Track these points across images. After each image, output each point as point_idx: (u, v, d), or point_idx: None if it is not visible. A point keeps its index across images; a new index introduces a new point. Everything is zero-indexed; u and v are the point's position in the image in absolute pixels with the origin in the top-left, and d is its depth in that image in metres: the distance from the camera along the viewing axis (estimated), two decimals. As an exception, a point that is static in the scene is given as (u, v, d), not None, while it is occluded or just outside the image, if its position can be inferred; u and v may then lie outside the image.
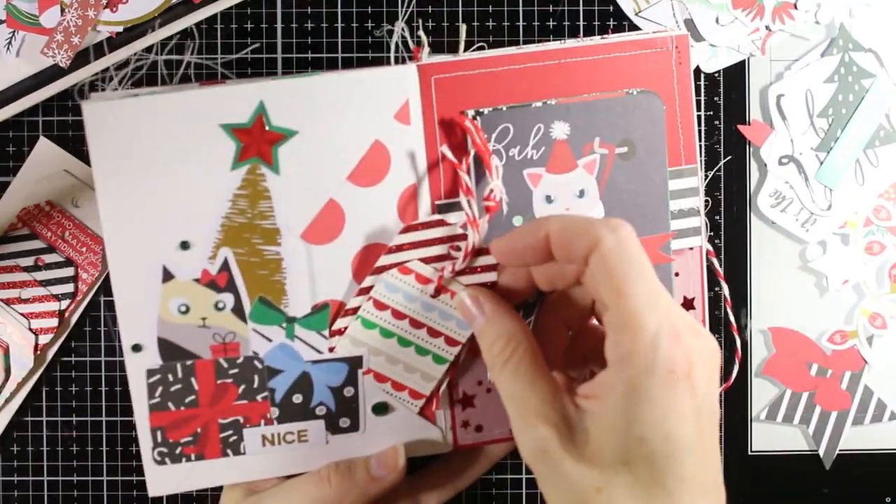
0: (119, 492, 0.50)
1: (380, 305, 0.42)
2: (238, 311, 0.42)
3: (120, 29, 0.47)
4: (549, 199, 0.43)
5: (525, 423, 0.35)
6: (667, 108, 0.43)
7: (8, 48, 0.47)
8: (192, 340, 0.42)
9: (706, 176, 0.50)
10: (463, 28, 0.46)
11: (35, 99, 0.48)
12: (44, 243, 0.49)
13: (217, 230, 0.41)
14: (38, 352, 0.49)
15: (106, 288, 0.50)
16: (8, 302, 0.49)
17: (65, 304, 0.49)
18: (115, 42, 0.47)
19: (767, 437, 0.51)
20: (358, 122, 0.41)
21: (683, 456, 0.33)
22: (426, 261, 0.42)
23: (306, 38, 0.49)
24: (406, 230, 0.42)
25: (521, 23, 0.49)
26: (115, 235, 0.41)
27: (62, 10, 0.46)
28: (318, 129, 0.41)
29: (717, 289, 0.49)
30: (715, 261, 0.47)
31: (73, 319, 0.49)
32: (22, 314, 0.49)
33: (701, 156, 0.49)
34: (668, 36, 0.43)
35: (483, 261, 0.42)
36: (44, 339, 0.49)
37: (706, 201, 0.45)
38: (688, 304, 0.44)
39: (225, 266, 0.42)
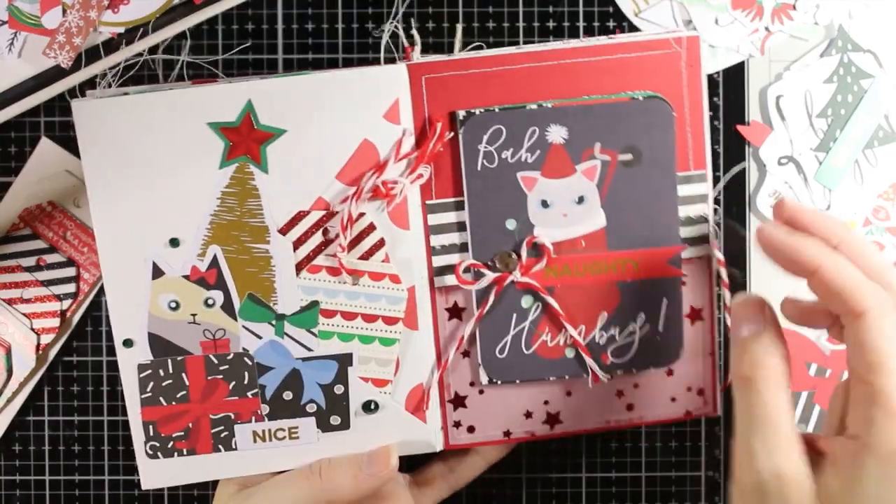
0: (120, 491, 0.50)
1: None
2: (228, 307, 0.43)
3: (121, 30, 0.47)
4: (545, 204, 0.42)
5: (774, 443, 0.34)
6: (675, 113, 0.42)
7: (10, 49, 0.47)
8: (182, 336, 0.43)
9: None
10: (459, 28, 0.45)
11: (37, 99, 0.48)
12: (45, 243, 0.49)
13: (206, 227, 0.42)
14: (40, 351, 0.49)
15: (107, 288, 0.50)
16: (10, 302, 0.49)
17: (66, 303, 0.49)
18: (116, 43, 0.47)
19: (767, 437, 0.51)
20: (346, 121, 0.42)
21: None
22: (314, 253, 0.42)
23: (306, 38, 0.49)
24: (284, 232, 0.42)
25: (520, 24, 0.49)
26: (105, 231, 0.42)
27: (64, 11, 0.47)
28: (307, 128, 0.41)
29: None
30: (723, 271, 0.47)
31: (75, 319, 0.49)
32: (24, 314, 0.49)
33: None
34: (678, 36, 0.42)
35: (368, 240, 0.42)
36: (45, 338, 0.49)
37: (715, 208, 0.44)
38: (695, 315, 0.44)
39: (214, 263, 0.42)
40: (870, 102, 0.49)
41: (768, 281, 0.50)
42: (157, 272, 0.42)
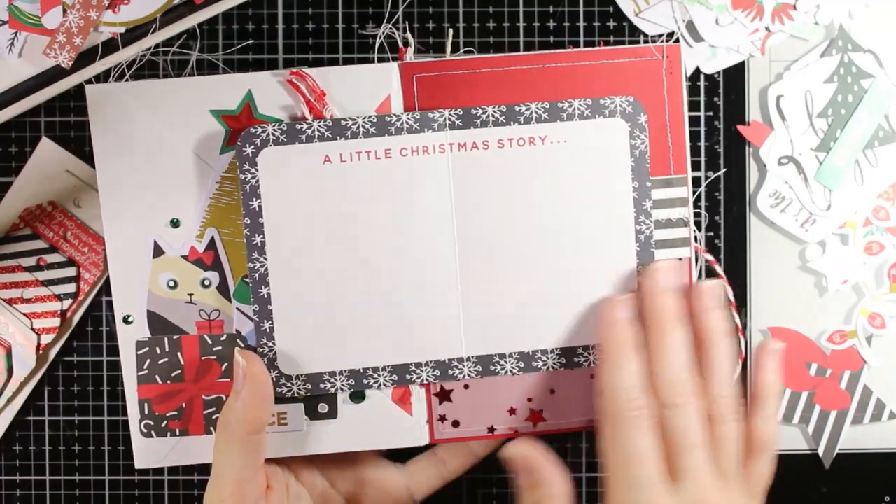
0: (120, 491, 0.50)
1: None
2: (223, 289, 0.44)
3: (122, 30, 0.47)
4: None
5: None
6: (657, 117, 0.44)
7: (10, 49, 0.47)
8: (179, 315, 0.44)
9: (706, 177, 0.50)
10: (450, 32, 0.47)
11: (37, 99, 0.48)
12: (46, 243, 0.49)
13: (205, 210, 0.44)
14: (41, 352, 0.49)
15: (107, 288, 0.50)
16: (10, 302, 0.49)
17: (67, 303, 0.49)
18: (116, 43, 0.47)
19: (767, 437, 0.51)
20: (340, 113, 0.43)
21: None
22: None
23: (307, 38, 0.49)
24: None
25: (521, 24, 0.49)
26: (111, 209, 0.44)
27: (64, 11, 0.47)
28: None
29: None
30: (718, 268, 0.47)
31: (75, 319, 0.49)
32: (24, 314, 0.49)
33: (700, 156, 0.50)
34: (658, 45, 0.44)
35: None
36: (46, 338, 0.49)
37: (697, 213, 0.46)
38: None
39: (211, 245, 0.44)
40: (870, 102, 0.49)
41: (769, 281, 0.50)
42: (158, 251, 0.44)
